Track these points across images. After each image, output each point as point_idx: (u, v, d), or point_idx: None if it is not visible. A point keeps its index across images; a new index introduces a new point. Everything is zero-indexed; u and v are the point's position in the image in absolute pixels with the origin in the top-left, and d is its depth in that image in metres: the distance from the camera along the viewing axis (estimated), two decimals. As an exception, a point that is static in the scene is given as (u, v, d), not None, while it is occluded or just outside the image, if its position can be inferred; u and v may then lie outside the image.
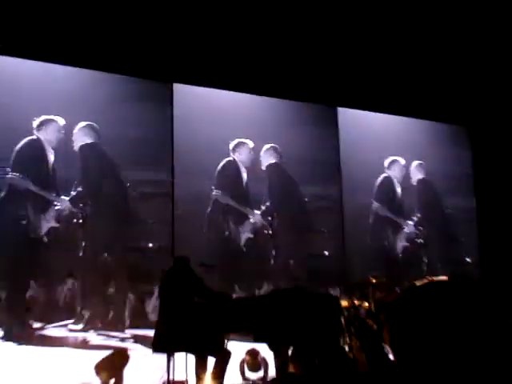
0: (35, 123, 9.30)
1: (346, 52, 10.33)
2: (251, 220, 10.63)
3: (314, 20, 9.92)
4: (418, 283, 1.68)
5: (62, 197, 9.38)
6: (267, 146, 10.97)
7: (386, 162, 11.95)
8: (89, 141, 9.69)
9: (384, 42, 10.29)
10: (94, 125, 9.70)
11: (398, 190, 12.04)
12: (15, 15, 8.53)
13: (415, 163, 12.26)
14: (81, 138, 9.65)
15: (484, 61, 10.98)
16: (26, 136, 9.25)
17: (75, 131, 9.61)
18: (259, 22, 9.61)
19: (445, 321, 1.46)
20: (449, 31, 10.30)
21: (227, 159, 10.61)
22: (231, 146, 10.65)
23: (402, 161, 12.11)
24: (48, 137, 9.42)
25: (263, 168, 10.94)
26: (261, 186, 10.90)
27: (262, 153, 10.93)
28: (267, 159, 11.00)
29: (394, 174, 12.05)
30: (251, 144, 10.81)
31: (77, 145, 9.62)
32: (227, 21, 9.51)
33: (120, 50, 9.31)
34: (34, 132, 9.31)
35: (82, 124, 9.65)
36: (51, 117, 9.39)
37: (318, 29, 10.01)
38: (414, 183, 12.28)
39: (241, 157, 10.75)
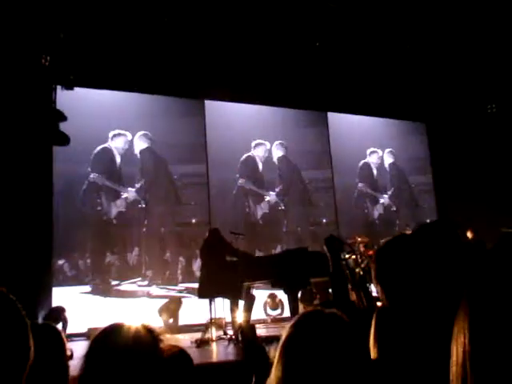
0: (110, 134, 9.38)
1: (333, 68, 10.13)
2: (266, 199, 10.60)
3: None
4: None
5: (129, 188, 9.43)
6: (276, 142, 10.91)
7: (368, 151, 11.88)
8: (145, 145, 9.72)
9: (356, 62, 10.08)
10: (148, 133, 9.73)
11: (375, 171, 11.94)
12: (84, 53, 8.44)
13: (386, 151, 12.15)
14: (139, 143, 9.69)
15: (439, 71, 10.78)
16: (101, 144, 9.32)
17: (135, 139, 9.64)
18: (265, 47, 9.40)
19: (418, 261, 1.49)
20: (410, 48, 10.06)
21: (247, 154, 10.57)
22: (252, 144, 10.63)
23: (380, 152, 12.04)
24: (117, 145, 9.48)
25: (274, 160, 10.88)
26: (273, 174, 10.84)
27: (272, 148, 10.87)
28: (276, 153, 10.93)
29: (372, 160, 11.95)
30: (268, 145, 10.77)
31: (137, 149, 9.66)
32: (238, 47, 9.30)
33: (167, 77, 9.24)
34: (108, 141, 9.38)
35: (140, 133, 9.67)
36: (121, 131, 9.46)
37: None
38: (387, 166, 12.16)
39: (258, 153, 10.71)
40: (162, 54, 8.73)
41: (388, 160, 12.17)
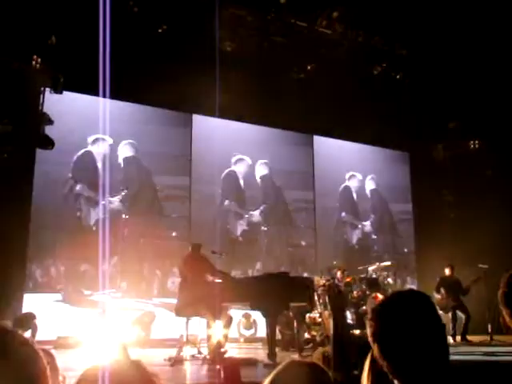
0: (90, 139, 9.31)
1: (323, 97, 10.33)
2: (247, 216, 10.66)
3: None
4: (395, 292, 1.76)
5: (110, 197, 9.36)
6: (261, 161, 10.97)
7: (347, 176, 11.99)
8: (130, 154, 9.70)
9: (346, 89, 10.29)
10: (134, 142, 9.71)
11: (355, 196, 12.07)
12: (75, 58, 8.42)
13: (368, 177, 12.31)
14: (124, 151, 9.65)
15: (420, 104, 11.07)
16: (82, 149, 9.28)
17: (120, 147, 9.61)
18: (258, 70, 9.57)
19: (416, 321, 1.58)
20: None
21: (228, 169, 10.61)
22: (233, 160, 10.65)
23: (359, 175, 12.17)
24: (98, 150, 9.43)
25: (257, 178, 10.95)
26: (256, 192, 10.89)
27: (256, 166, 10.93)
28: (260, 171, 11.00)
29: (352, 184, 12.08)
30: (249, 160, 10.81)
31: (121, 157, 9.63)
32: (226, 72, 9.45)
33: (158, 91, 9.27)
34: (88, 146, 9.32)
35: (125, 141, 9.65)
36: (102, 136, 9.37)
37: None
38: (368, 192, 12.32)
39: (239, 169, 10.76)
40: (153, 65, 8.79)
41: (370, 186, 12.32)
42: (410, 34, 9.55)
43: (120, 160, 9.61)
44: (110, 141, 9.48)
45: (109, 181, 9.32)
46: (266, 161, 11.00)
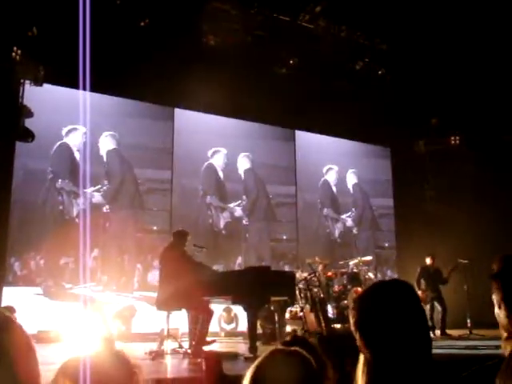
0: (64, 131, 9.29)
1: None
2: (229, 210, 10.74)
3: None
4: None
5: (91, 190, 9.36)
6: (242, 154, 11.04)
7: (324, 169, 12.10)
8: (112, 146, 9.70)
9: (328, 84, 10.42)
10: (116, 134, 9.72)
11: (334, 189, 12.18)
12: (56, 50, 8.40)
13: (350, 171, 12.44)
14: (106, 143, 9.65)
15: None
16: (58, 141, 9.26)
17: (101, 139, 9.60)
18: (241, 63, 9.63)
19: (398, 310, 1.62)
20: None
21: (206, 163, 10.64)
22: (209, 153, 10.68)
23: (335, 167, 12.23)
24: (74, 142, 9.40)
25: (240, 171, 11.01)
26: (238, 185, 10.97)
27: (238, 159, 10.99)
28: (243, 164, 11.07)
29: (330, 177, 12.17)
30: (224, 151, 10.82)
31: (103, 149, 9.62)
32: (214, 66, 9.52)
33: (140, 84, 9.29)
34: (64, 138, 9.30)
35: (107, 133, 9.64)
36: (75, 126, 9.34)
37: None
38: (350, 186, 12.45)
39: (217, 162, 10.76)
40: (135, 58, 8.80)
41: (351, 180, 12.48)
42: (391, 29, 9.69)
43: (102, 152, 9.60)
44: (84, 129, 9.39)
45: (89, 173, 9.31)
46: (247, 153, 11.08)
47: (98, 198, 9.44)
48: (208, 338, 6.91)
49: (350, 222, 12.18)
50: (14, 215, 8.58)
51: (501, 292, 1.70)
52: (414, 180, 12.17)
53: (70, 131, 9.32)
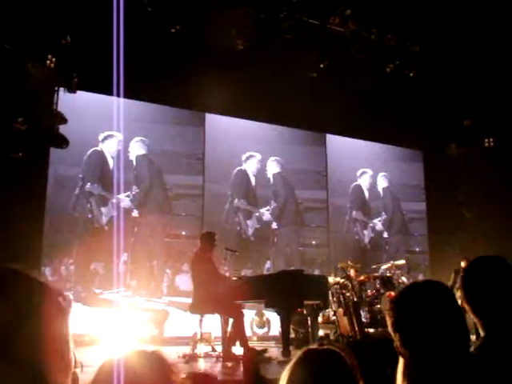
0: (100, 137, 9.57)
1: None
2: (258, 214, 10.90)
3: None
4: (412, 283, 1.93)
5: (120, 195, 9.60)
6: (272, 158, 11.20)
7: (358, 173, 12.20)
8: (142, 152, 9.95)
9: (358, 88, 10.54)
10: (146, 140, 9.97)
11: (367, 194, 12.27)
12: (89, 57, 8.69)
13: (380, 175, 12.50)
14: (136, 149, 9.90)
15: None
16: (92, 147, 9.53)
17: (131, 144, 9.86)
18: (271, 68, 9.82)
19: (435, 309, 1.71)
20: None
21: (238, 168, 10.83)
22: (243, 157, 10.88)
23: (370, 171, 12.33)
24: (109, 149, 9.68)
25: (269, 176, 11.17)
26: (267, 190, 11.13)
27: (268, 163, 11.15)
28: (272, 169, 11.22)
29: (363, 182, 12.27)
30: (259, 156, 11.02)
31: (133, 154, 9.88)
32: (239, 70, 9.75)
33: (171, 89, 9.52)
34: (99, 144, 9.58)
35: (137, 139, 9.89)
36: (111, 133, 9.61)
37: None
38: (380, 190, 12.52)
39: (250, 167, 10.97)
40: (166, 64, 9.07)
41: (382, 184, 12.55)
42: (422, 31, 9.77)
43: (131, 157, 9.86)
44: (120, 137, 9.66)
45: (121, 179, 9.56)
46: (277, 158, 11.24)
47: (127, 202, 9.68)
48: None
49: (379, 226, 12.24)
50: (45, 221, 8.84)
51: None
52: (447, 183, 12.17)
53: (106, 138, 9.60)
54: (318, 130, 11.69)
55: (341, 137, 12.03)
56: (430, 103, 11.18)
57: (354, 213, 11.95)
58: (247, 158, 10.93)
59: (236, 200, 10.65)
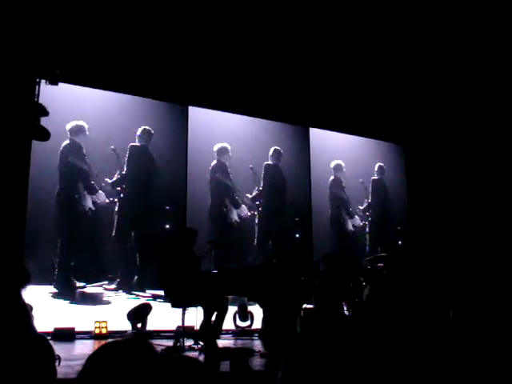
0: (68, 127, 9.45)
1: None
2: (241, 209, 10.98)
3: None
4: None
5: (101, 191, 9.61)
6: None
7: (332, 165, 12.29)
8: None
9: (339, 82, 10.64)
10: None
11: (345, 187, 12.37)
12: (72, 49, 8.70)
13: (363, 169, 12.65)
14: (119, 141, 9.86)
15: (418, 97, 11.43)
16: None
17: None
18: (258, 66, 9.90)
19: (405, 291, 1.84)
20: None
21: (215, 160, 10.85)
22: (215, 149, 10.86)
23: (342, 163, 12.41)
24: (81, 138, 9.56)
25: (251, 168, 11.22)
26: (249, 182, 11.19)
27: (251, 156, 11.20)
28: (256, 161, 11.29)
29: (340, 175, 12.37)
30: (228, 146, 10.98)
31: (116, 146, 9.83)
32: (228, 59, 9.80)
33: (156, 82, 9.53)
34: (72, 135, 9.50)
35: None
36: (78, 122, 9.52)
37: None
38: (362, 184, 12.63)
39: (224, 158, 10.96)
40: (151, 57, 9.10)
41: (365, 177, 12.71)
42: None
43: (114, 148, 9.83)
44: (86, 125, 9.58)
45: (104, 170, 9.59)
46: (261, 151, 11.35)
47: (110, 195, 9.69)
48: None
49: (362, 220, 12.42)
50: (29, 214, 8.83)
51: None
52: (429, 178, 12.35)
53: (76, 128, 9.49)
54: (301, 124, 11.82)
55: (324, 130, 12.14)
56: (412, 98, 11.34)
57: (336, 206, 12.08)
58: (220, 150, 10.90)
59: (218, 193, 10.70)
